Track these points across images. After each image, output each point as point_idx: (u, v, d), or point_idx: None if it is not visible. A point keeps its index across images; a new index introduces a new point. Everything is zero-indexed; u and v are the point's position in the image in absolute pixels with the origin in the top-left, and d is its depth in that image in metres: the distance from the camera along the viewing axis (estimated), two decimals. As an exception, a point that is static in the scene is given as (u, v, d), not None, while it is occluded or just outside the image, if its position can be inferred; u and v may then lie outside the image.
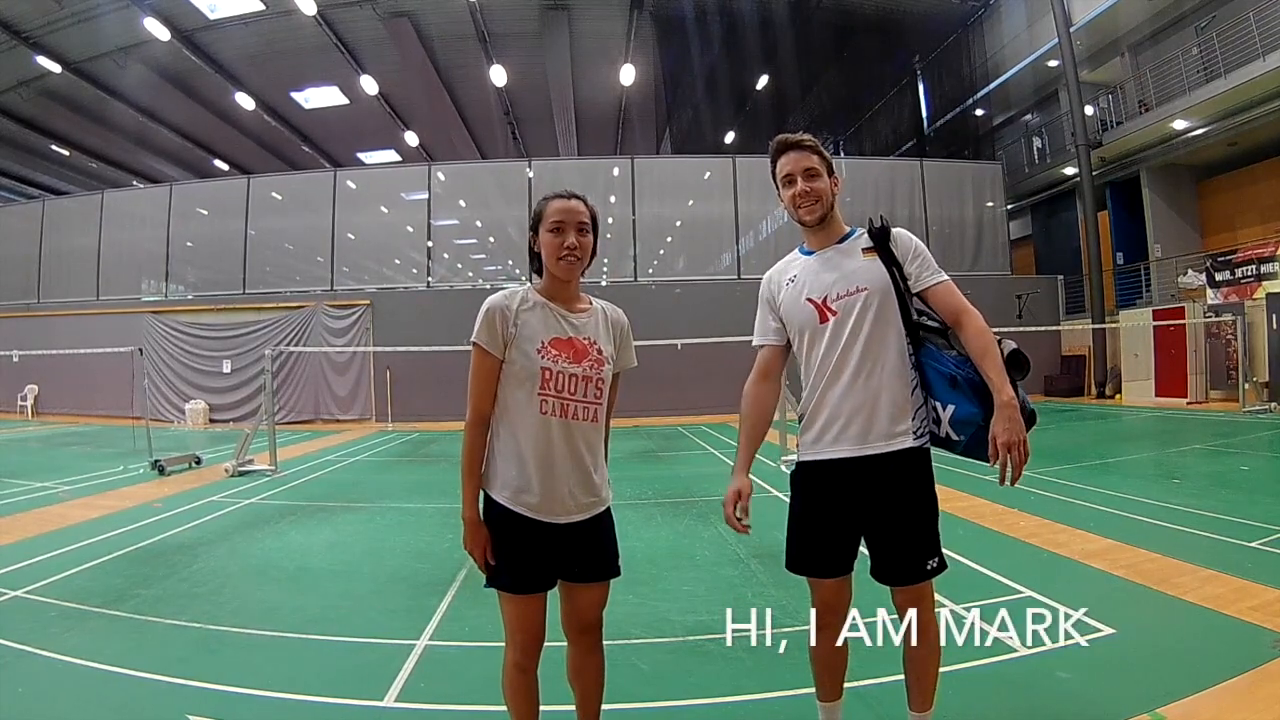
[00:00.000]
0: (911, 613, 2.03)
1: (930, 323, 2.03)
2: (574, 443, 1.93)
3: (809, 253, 2.10)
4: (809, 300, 2.03)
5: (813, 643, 2.14)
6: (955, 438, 1.97)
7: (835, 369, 1.99)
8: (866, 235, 2.06)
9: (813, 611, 2.10)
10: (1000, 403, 1.85)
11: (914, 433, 1.99)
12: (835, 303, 2.00)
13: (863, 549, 2.06)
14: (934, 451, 2.06)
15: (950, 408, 1.96)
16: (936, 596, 3.69)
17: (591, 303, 2.06)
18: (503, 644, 1.99)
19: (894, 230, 2.04)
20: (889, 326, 1.99)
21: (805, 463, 2.07)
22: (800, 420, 2.11)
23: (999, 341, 1.93)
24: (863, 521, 2.01)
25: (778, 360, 2.16)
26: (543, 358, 1.90)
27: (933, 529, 2.02)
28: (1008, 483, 1.86)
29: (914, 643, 2.04)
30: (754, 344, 2.20)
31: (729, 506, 2.04)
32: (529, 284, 2.04)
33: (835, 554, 2.02)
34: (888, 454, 1.96)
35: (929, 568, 1.99)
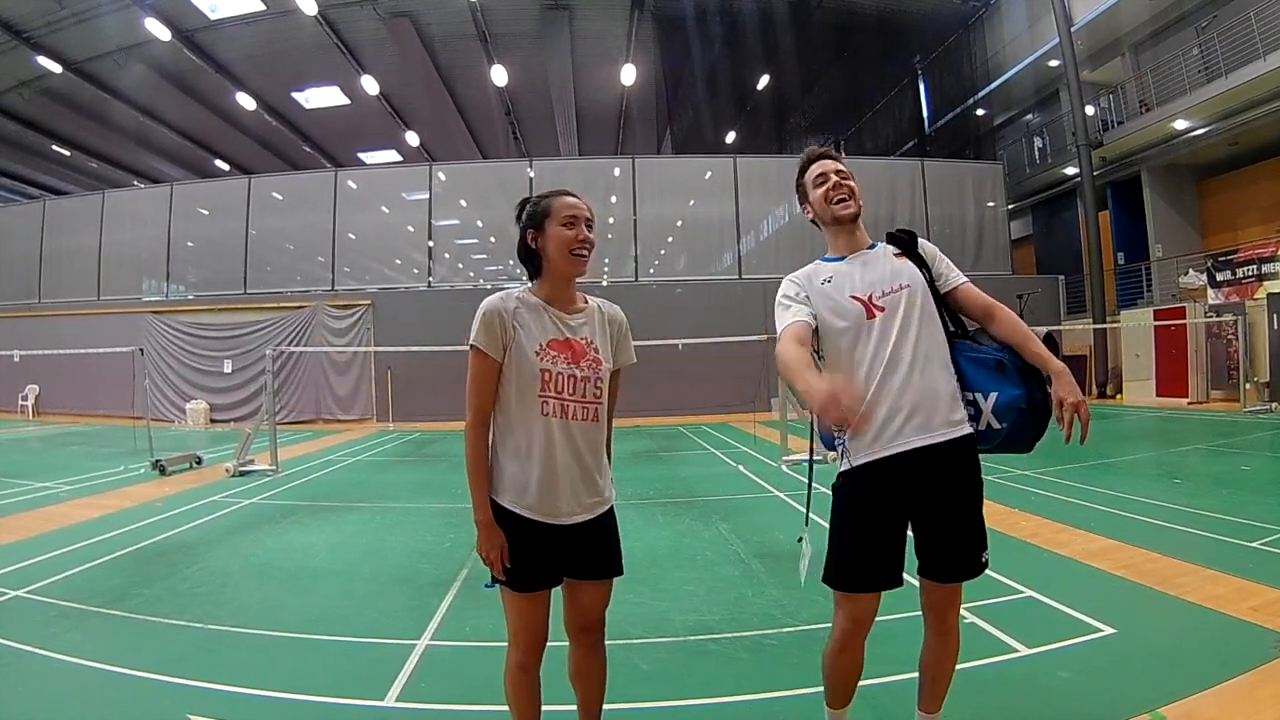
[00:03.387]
0: (942, 616, 2.04)
1: (949, 326, 2.08)
2: (575, 443, 1.93)
3: (838, 259, 2.12)
4: (854, 297, 2.02)
5: (831, 657, 2.08)
6: (997, 425, 1.98)
7: (890, 363, 1.96)
8: (890, 245, 2.13)
9: (839, 628, 2.03)
10: (1057, 371, 1.91)
11: (967, 420, 2.00)
12: (881, 299, 2.01)
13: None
14: None
15: (993, 395, 1.98)
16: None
17: (588, 302, 2.06)
18: (504, 644, 1.99)
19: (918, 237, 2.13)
20: (933, 321, 2.02)
21: (867, 465, 1.96)
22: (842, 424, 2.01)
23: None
24: (920, 517, 1.99)
25: (810, 337, 2.06)
26: (541, 359, 1.89)
27: (984, 521, 2.04)
28: (1075, 441, 1.91)
29: (939, 646, 2.05)
30: (788, 322, 2.03)
31: (838, 399, 1.69)
32: (525, 285, 2.03)
33: (891, 562, 1.96)
34: (951, 441, 1.96)
35: (984, 560, 2.01)
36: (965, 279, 2.11)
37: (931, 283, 2.07)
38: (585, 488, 1.95)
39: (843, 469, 2.02)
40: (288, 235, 18.44)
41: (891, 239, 2.14)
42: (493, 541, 1.89)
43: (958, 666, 2.79)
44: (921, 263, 2.09)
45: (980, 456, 2.04)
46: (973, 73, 20.81)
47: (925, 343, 1.98)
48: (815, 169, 2.15)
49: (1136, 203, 17.67)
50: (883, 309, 2.00)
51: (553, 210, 1.97)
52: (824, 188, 2.11)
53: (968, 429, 1.98)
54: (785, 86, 23.07)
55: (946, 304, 2.10)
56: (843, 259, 2.11)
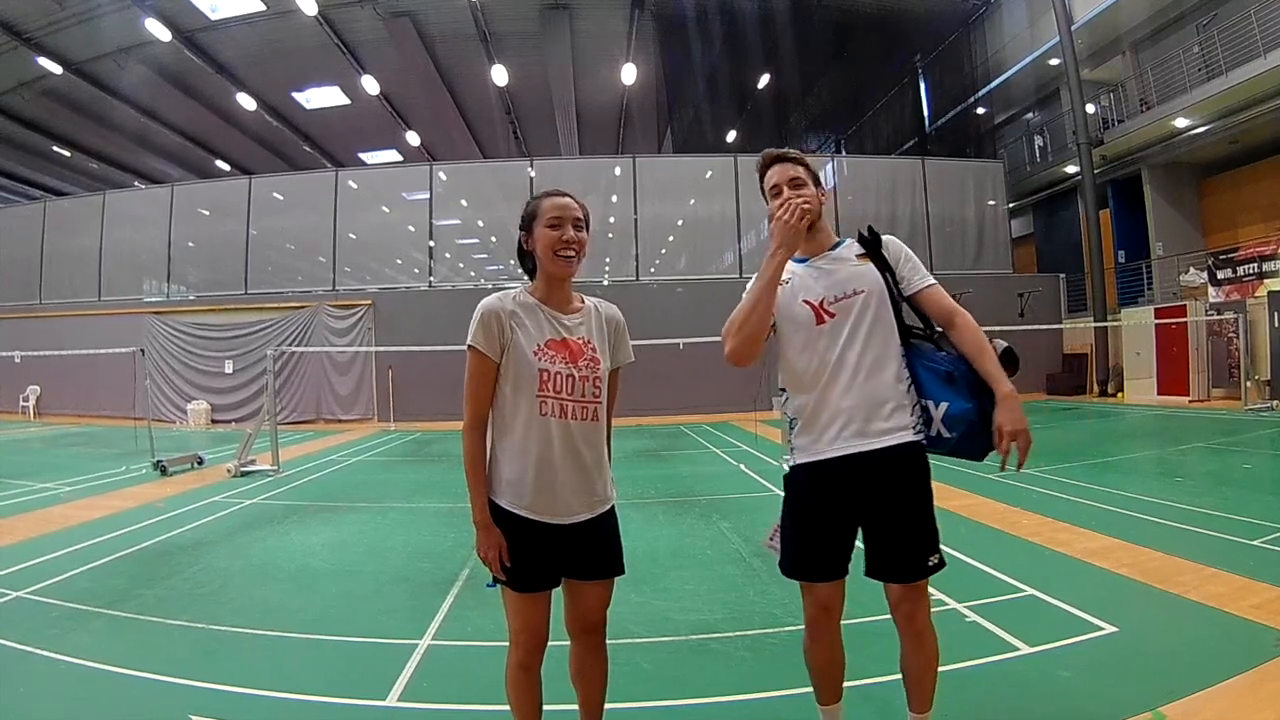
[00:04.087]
0: (909, 616, 2.02)
1: (915, 329, 2.07)
2: (574, 443, 1.93)
3: (801, 260, 2.12)
4: (805, 302, 2.05)
5: (808, 650, 2.13)
6: (947, 435, 1.99)
7: (835, 369, 2.00)
8: (857, 244, 2.11)
9: (807, 616, 2.09)
10: (1002, 395, 1.90)
11: (913, 428, 2.01)
12: (833, 305, 2.02)
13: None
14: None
15: (944, 405, 1.98)
16: (939, 595, 3.70)
17: (584, 302, 2.06)
18: (506, 644, 1.99)
19: (884, 237, 2.10)
20: (886, 327, 2.02)
21: (805, 464, 2.06)
22: (792, 423, 2.09)
23: (990, 340, 1.99)
24: (864, 519, 2.02)
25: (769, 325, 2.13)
26: (539, 359, 1.90)
27: (933, 525, 2.03)
28: (1010, 469, 1.91)
29: (912, 647, 2.04)
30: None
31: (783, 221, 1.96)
32: (523, 286, 2.04)
33: (835, 555, 2.02)
34: (890, 447, 1.97)
35: (930, 564, 1.99)
36: (931, 282, 2.07)
37: (897, 285, 2.06)
38: (584, 487, 1.95)
39: (791, 464, 2.09)
40: (288, 235, 18.45)
41: (860, 239, 2.12)
42: (490, 541, 1.89)
43: (958, 666, 2.80)
44: (886, 264, 2.06)
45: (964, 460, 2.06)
46: (973, 71, 20.81)
47: (874, 350, 1.99)
48: (770, 176, 2.11)
49: (1137, 201, 17.66)
50: (833, 315, 2.02)
51: (540, 211, 1.97)
52: (776, 200, 2.08)
53: (909, 436, 1.99)
54: (785, 85, 23.06)
55: (911, 305, 2.09)
56: (805, 261, 2.11)
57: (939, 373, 1.99)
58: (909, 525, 1.99)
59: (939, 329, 2.10)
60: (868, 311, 2.00)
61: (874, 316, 2.00)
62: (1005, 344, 2.01)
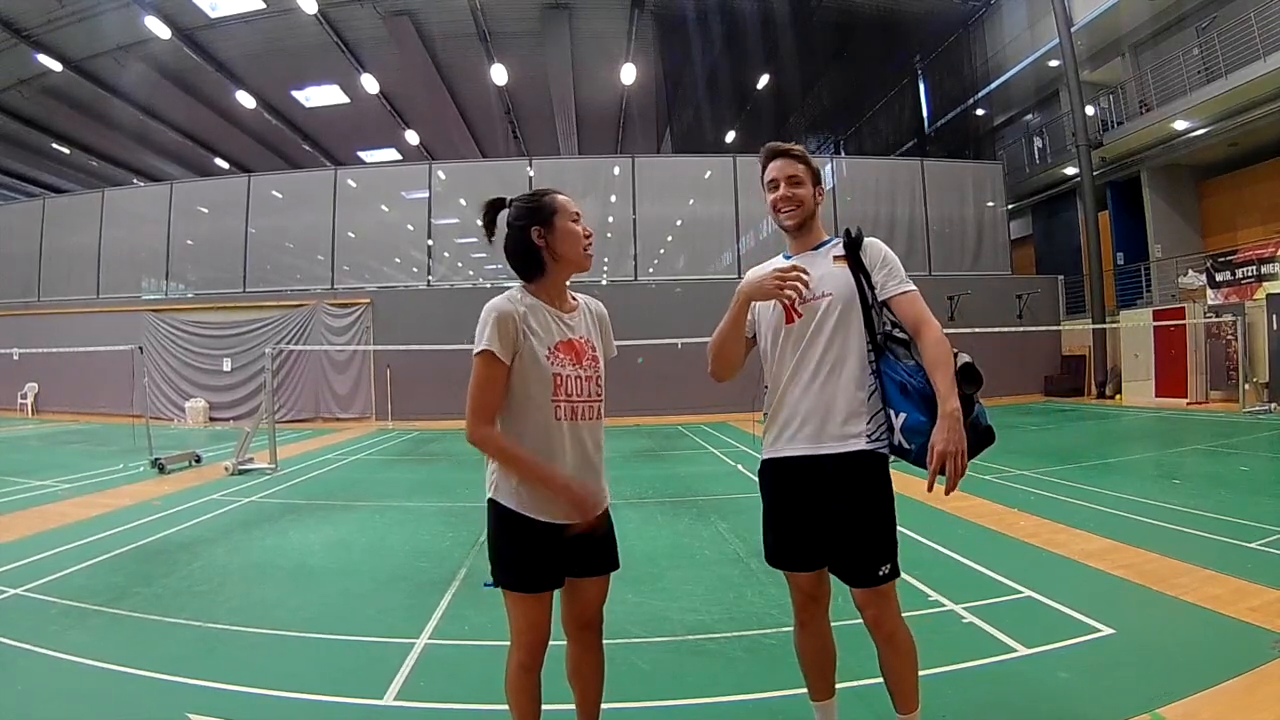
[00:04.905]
0: (875, 621, 2.01)
1: (899, 334, 2.06)
2: (582, 443, 1.93)
3: (788, 257, 2.15)
4: (779, 301, 2.06)
5: (797, 640, 2.16)
6: (906, 446, 1.99)
7: (796, 370, 2.04)
8: (841, 244, 2.11)
9: (793, 603, 2.14)
10: (943, 413, 1.86)
11: (868, 436, 2.00)
12: (802, 306, 2.04)
13: None
14: None
15: (902, 415, 1.98)
16: (936, 596, 3.70)
17: (576, 299, 2.07)
18: (503, 642, 1.98)
19: (866, 240, 2.09)
20: (851, 332, 2.02)
21: (768, 460, 2.12)
22: (764, 418, 2.15)
23: (954, 355, 1.96)
24: (823, 519, 2.02)
25: (744, 349, 2.19)
26: (553, 364, 1.88)
27: (887, 534, 2.01)
28: (939, 490, 1.90)
29: (887, 650, 2.03)
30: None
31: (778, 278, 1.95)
32: (519, 287, 2.00)
33: (806, 547, 2.05)
34: (840, 455, 1.99)
35: (881, 573, 1.98)
36: (905, 289, 2.03)
37: (872, 289, 2.05)
38: (594, 486, 1.95)
39: (760, 458, 2.16)
40: (287, 234, 18.43)
41: (844, 239, 2.12)
42: (579, 494, 1.85)
43: (958, 667, 2.80)
44: (862, 268, 2.05)
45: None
46: (973, 73, 20.82)
47: (834, 355, 2.01)
48: (769, 171, 2.13)
49: (1136, 203, 17.67)
50: (801, 315, 2.04)
51: (559, 207, 1.97)
52: (773, 196, 2.11)
53: (863, 445, 1.99)
54: (785, 86, 23.06)
55: (890, 310, 2.09)
56: (790, 259, 2.13)
57: (896, 383, 2.00)
58: (859, 533, 1.99)
59: None
60: (831, 316, 2.01)
61: (837, 321, 2.01)
62: (967, 359, 1.98)
